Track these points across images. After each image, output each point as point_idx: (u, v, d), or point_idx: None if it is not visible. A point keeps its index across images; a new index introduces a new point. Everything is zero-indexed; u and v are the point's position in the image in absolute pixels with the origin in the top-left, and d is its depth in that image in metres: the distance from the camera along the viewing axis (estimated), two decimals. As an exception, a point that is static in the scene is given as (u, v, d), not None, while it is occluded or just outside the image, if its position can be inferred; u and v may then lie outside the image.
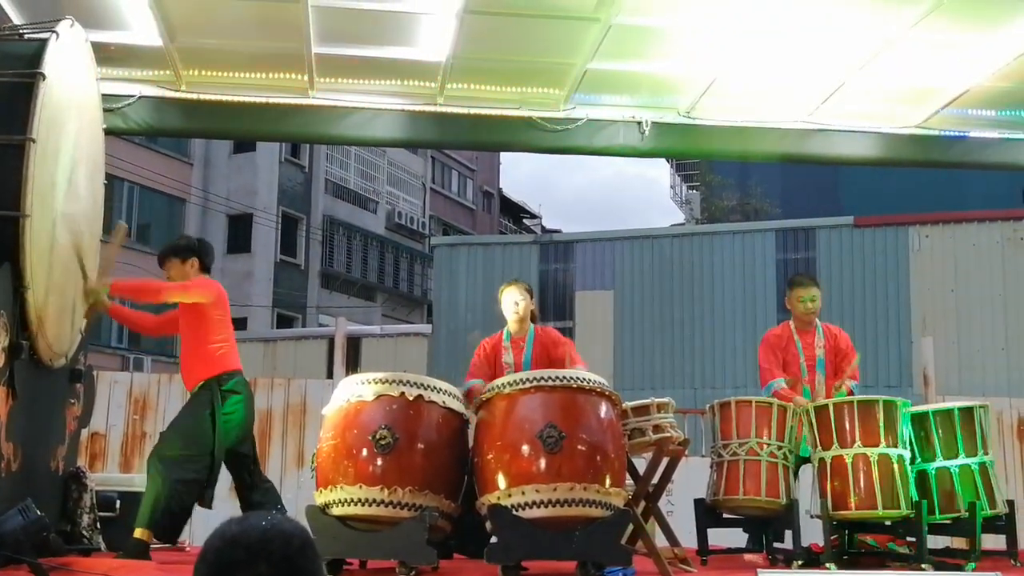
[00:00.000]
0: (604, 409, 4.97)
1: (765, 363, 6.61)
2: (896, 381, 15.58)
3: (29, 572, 4.48)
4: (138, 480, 6.15)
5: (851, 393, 6.40)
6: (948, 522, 5.99)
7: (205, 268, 6.09)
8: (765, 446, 5.90)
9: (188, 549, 6.31)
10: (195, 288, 5.88)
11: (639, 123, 7.60)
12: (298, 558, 1.83)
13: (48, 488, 5.53)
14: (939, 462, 5.98)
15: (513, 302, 6.27)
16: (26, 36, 5.26)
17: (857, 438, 5.68)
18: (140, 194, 28.54)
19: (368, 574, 5.37)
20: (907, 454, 5.78)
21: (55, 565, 4.73)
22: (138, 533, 5.48)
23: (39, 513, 4.82)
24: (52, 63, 5.02)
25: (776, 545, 6.24)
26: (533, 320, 6.44)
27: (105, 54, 6.43)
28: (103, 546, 5.87)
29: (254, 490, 5.93)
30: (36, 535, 4.80)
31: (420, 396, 4.95)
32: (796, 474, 6.14)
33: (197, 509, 5.77)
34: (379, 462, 4.82)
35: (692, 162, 35.89)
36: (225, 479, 5.93)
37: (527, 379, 4.98)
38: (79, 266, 5.71)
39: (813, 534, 5.91)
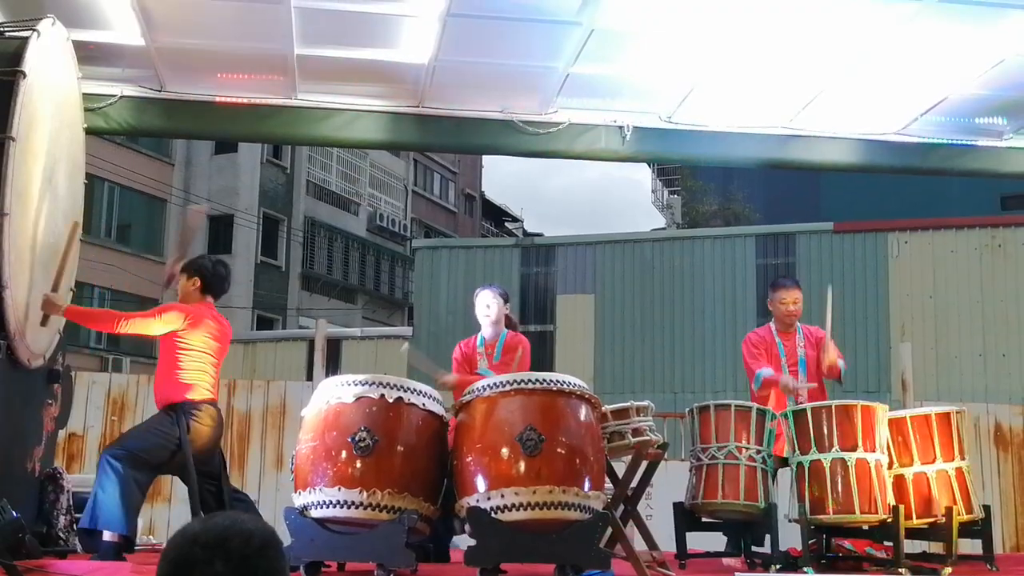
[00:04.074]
0: (584, 412, 4.98)
1: (749, 358, 6.68)
2: (875, 386, 15.67)
3: (4, 574, 4.46)
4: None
5: (837, 371, 6.56)
6: (925, 527, 6.03)
7: (209, 291, 6.01)
8: (744, 450, 5.91)
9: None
10: (159, 322, 5.73)
11: (620, 127, 7.62)
12: (256, 558, 1.81)
13: (24, 489, 5.50)
14: (916, 467, 6.01)
15: (485, 305, 6.32)
16: (7, 34, 5.24)
17: (835, 442, 5.71)
18: (121, 194, 28.41)
19: (346, 576, 5.36)
20: (885, 459, 5.81)
21: (31, 567, 4.70)
22: (107, 536, 5.43)
23: (15, 514, 4.80)
24: (33, 61, 5.00)
25: (755, 549, 6.26)
26: (511, 326, 6.46)
27: (86, 53, 6.40)
28: (79, 547, 5.84)
29: (224, 506, 5.86)
30: (12, 536, 4.78)
31: (400, 398, 4.94)
32: (775, 478, 6.16)
33: (180, 513, 5.75)
34: (358, 464, 4.80)
35: (673, 167, 36.03)
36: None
37: (506, 382, 4.98)
38: (57, 266, 5.69)
39: (791, 538, 5.93)
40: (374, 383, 4.97)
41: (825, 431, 5.75)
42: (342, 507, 4.78)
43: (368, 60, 7.07)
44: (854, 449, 5.68)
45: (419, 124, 7.60)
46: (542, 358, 17.58)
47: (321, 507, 4.82)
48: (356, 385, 4.97)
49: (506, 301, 6.44)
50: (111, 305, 26.51)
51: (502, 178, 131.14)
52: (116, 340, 27.43)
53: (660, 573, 5.44)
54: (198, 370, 5.78)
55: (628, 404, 5.67)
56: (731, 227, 25.02)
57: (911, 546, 6.11)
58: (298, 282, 32.64)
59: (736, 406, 6.08)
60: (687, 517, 6.17)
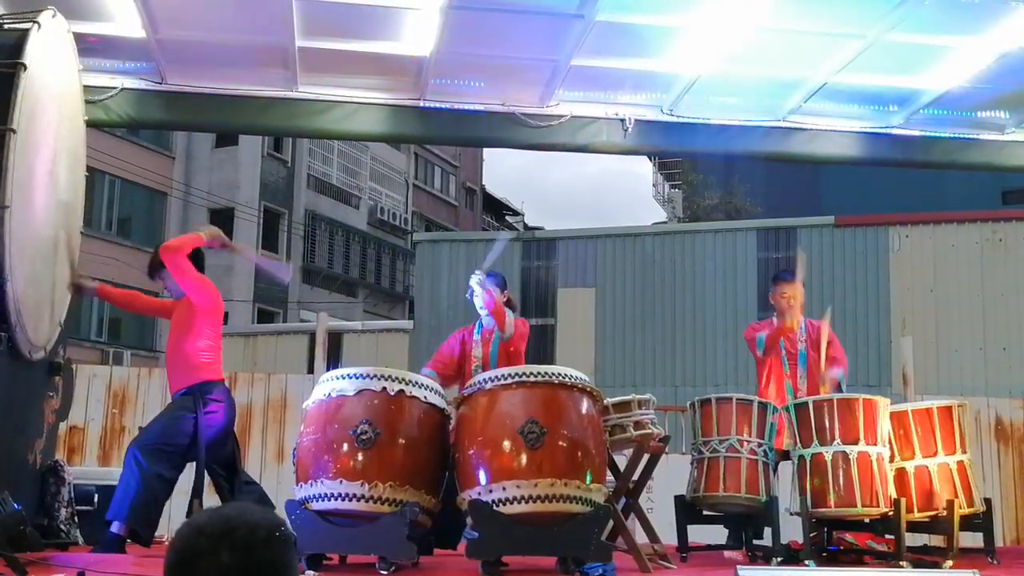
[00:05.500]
0: (585, 405, 4.98)
1: (750, 334, 6.73)
2: (876, 380, 15.65)
3: (5, 566, 4.45)
4: (116, 474, 6.13)
5: (836, 384, 6.48)
6: (926, 520, 6.04)
7: (201, 269, 6.05)
8: (745, 443, 5.92)
9: (167, 543, 6.27)
10: (196, 280, 5.84)
11: (622, 120, 7.61)
12: (261, 549, 1.79)
13: (25, 481, 5.50)
14: (918, 460, 6.02)
15: (470, 294, 6.37)
16: (7, 26, 5.22)
17: (837, 436, 5.71)
18: (121, 187, 28.39)
19: (348, 569, 5.36)
20: (886, 452, 5.81)
21: (32, 559, 4.70)
22: (115, 528, 5.45)
23: (16, 506, 4.79)
24: (33, 53, 4.99)
25: (756, 542, 6.26)
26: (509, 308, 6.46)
27: (87, 45, 6.39)
28: (80, 540, 5.85)
29: (234, 495, 5.89)
30: (13, 528, 4.77)
31: (402, 391, 4.95)
32: (776, 471, 6.16)
33: (182, 504, 5.76)
34: (360, 457, 4.81)
35: (674, 161, 35.97)
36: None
37: (508, 375, 4.99)
38: (59, 259, 5.68)
39: (793, 531, 5.93)
40: (375, 376, 4.97)
41: (827, 424, 5.76)
42: (344, 500, 4.78)
43: (369, 52, 7.06)
44: (856, 442, 5.68)
45: (420, 117, 7.59)
46: (543, 352, 17.57)
47: (323, 500, 4.82)
48: (357, 378, 4.98)
49: (501, 288, 6.45)
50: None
51: (503, 172, 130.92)
52: (117, 333, 27.44)
53: (661, 566, 5.44)
54: (211, 350, 5.87)
55: (629, 397, 5.68)
56: (732, 221, 24.97)
57: (912, 539, 6.11)
58: (299, 275, 32.61)
59: (738, 399, 6.09)
60: (688, 510, 6.18)
